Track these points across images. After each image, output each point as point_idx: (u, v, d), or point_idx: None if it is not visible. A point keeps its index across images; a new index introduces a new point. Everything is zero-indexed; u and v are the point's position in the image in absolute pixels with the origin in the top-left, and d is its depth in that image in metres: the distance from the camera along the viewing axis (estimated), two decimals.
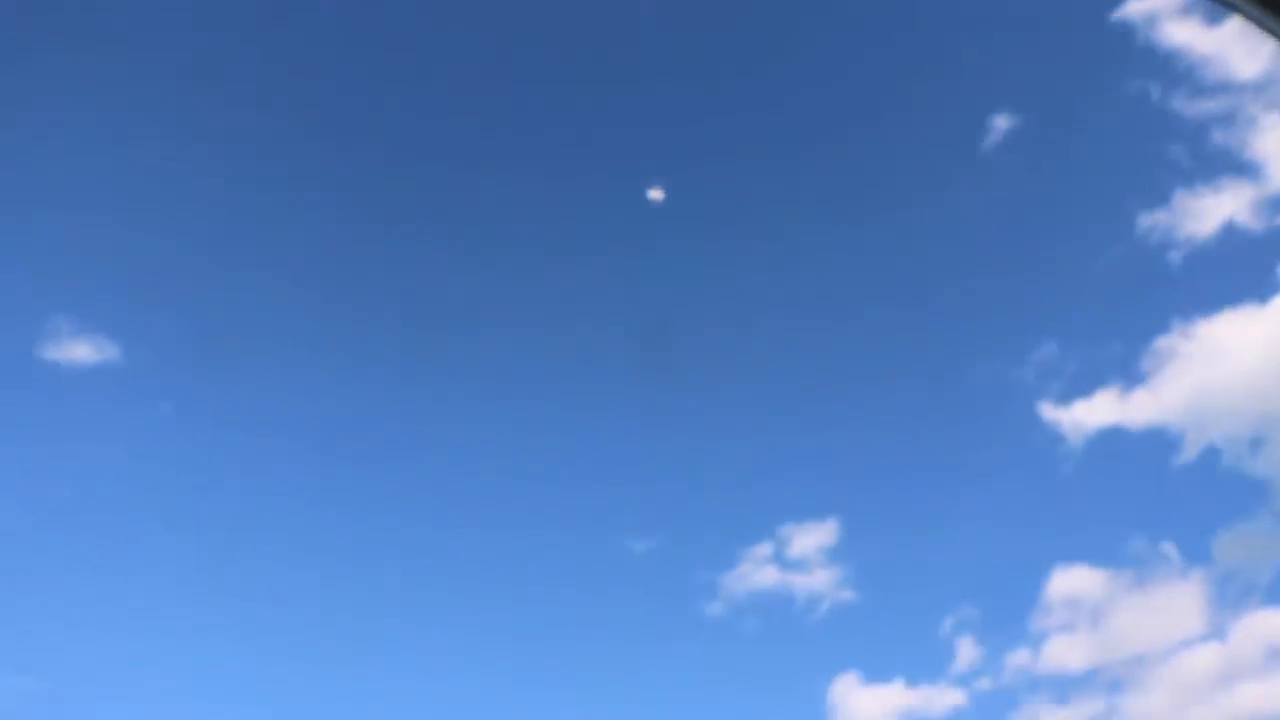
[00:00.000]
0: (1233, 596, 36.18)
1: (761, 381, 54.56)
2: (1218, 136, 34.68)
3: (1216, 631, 36.33)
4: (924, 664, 74.42)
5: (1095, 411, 38.89)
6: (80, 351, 39.41)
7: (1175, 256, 37.97)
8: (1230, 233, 35.53)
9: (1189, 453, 38.14)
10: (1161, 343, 38.82)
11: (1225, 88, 33.79)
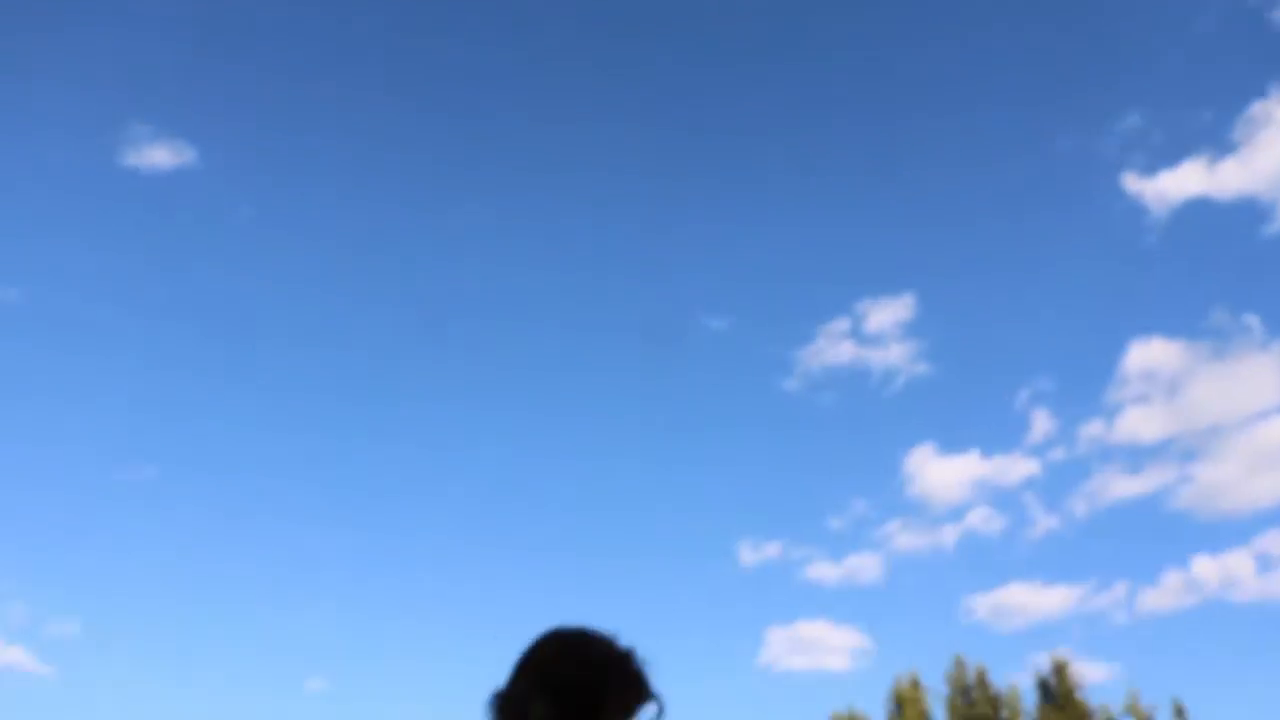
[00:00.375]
0: None
1: (839, 159, 54.16)
2: None
3: None
4: (998, 435, 75.40)
5: (1181, 182, 37.14)
6: (159, 156, 39.82)
7: (1278, 17, 35.82)
8: None
9: (1278, 224, 36.31)
10: (1256, 109, 36.21)
11: None
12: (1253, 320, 35.48)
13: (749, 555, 77.45)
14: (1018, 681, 53.81)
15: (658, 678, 1.94)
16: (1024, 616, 73.96)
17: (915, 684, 54.56)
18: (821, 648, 76.57)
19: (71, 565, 72.28)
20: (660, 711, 1.89)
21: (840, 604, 78.09)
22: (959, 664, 54.63)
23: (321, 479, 74.66)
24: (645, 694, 1.88)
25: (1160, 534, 72.81)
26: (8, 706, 74.10)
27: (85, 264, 73.14)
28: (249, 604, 72.07)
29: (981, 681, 53.94)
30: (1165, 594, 72.34)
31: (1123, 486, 72.10)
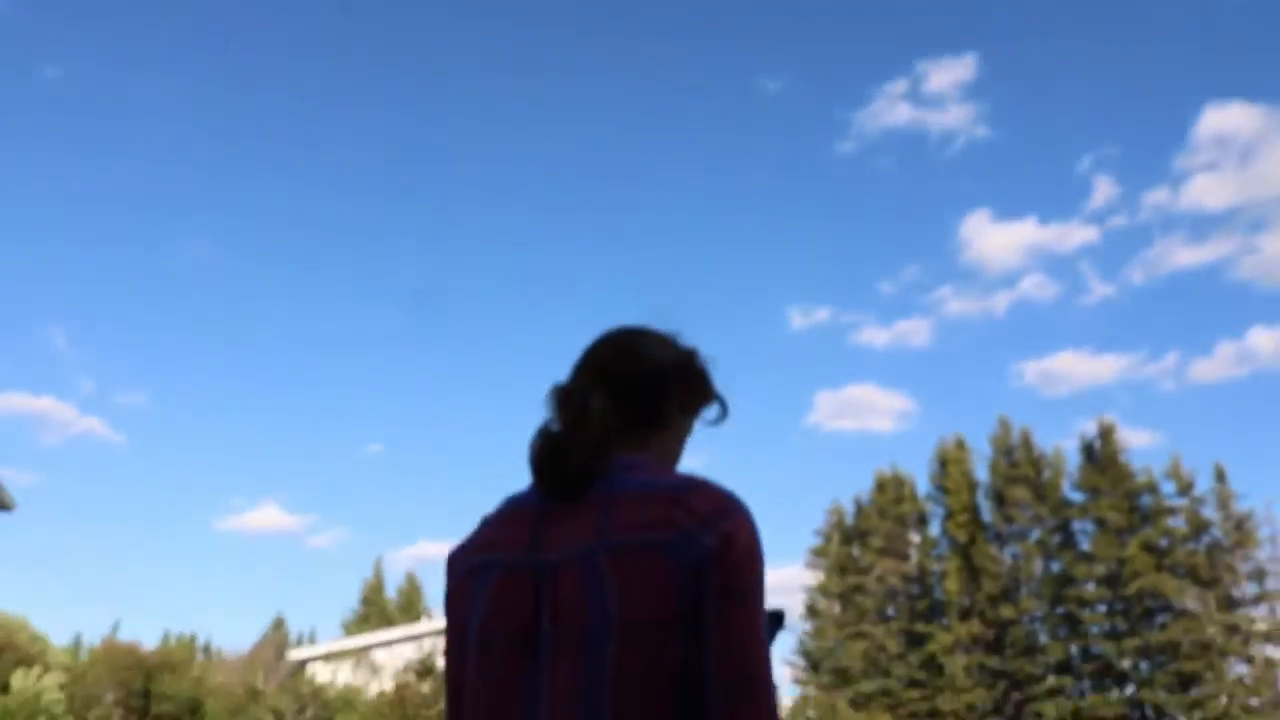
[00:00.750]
0: None
1: None
2: None
3: None
4: (1057, 202, 76.19)
5: None
6: None
7: None
8: None
9: None
10: None
11: None
12: None
13: (799, 320, 78.03)
14: (1061, 444, 55.14)
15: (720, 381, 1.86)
16: (1071, 383, 74.62)
17: (960, 444, 56.07)
18: (868, 410, 78.18)
19: (134, 339, 74.87)
20: (724, 413, 1.85)
21: (888, 368, 78.74)
22: (1003, 425, 55.82)
23: (375, 254, 75.39)
24: (708, 393, 1.83)
25: (1218, 304, 71.67)
26: (90, 472, 78.38)
27: (131, 39, 72.25)
28: (308, 373, 74.51)
29: (1025, 443, 55.26)
30: (1217, 364, 71.97)
31: (1183, 256, 70.27)
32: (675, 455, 1.81)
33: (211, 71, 74.66)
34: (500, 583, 1.57)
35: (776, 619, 1.78)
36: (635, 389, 1.71)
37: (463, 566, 1.67)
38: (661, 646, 1.43)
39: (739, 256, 76.86)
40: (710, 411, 1.85)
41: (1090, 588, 50.93)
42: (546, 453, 1.63)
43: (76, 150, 71.61)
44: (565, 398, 1.68)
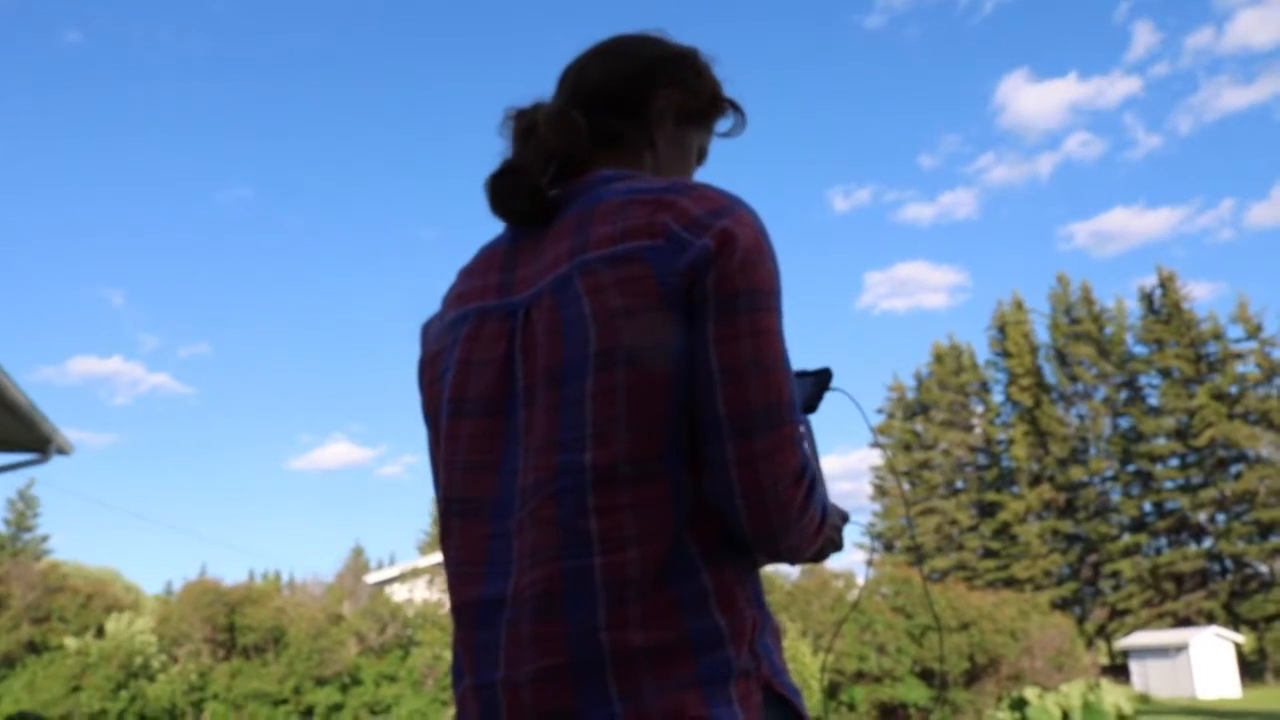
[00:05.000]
0: None
1: None
2: None
3: None
4: (1096, 54, 76.72)
5: None
6: None
7: None
8: None
9: None
10: None
11: None
12: None
13: (840, 202, 77.17)
14: (1123, 299, 53.97)
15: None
16: (1124, 241, 73.23)
17: (1019, 305, 55.08)
18: (920, 287, 77.53)
19: (188, 292, 75.88)
20: (740, 122, 1.54)
21: (936, 243, 77.78)
22: (1062, 282, 54.68)
23: (419, 177, 75.02)
24: (713, 95, 1.50)
25: (1272, 145, 69.43)
26: (165, 425, 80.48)
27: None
28: (359, 305, 74.65)
29: (1085, 299, 54.14)
30: (1275, 206, 70.00)
31: (1232, 98, 67.94)
32: (679, 175, 1.49)
33: (231, 19, 74.00)
34: (469, 337, 1.31)
35: (822, 379, 1.51)
36: (608, 87, 1.42)
37: (434, 331, 1.41)
38: (650, 377, 1.16)
39: (773, 143, 75.49)
40: (722, 122, 1.54)
41: (1161, 442, 50.22)
42: (498, 178, 1.34)
43: (103, 113, 71.75)
44: (518, 115, 1.40)
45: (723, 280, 1.17)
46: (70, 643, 25.10)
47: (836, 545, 1.41)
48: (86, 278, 76.43)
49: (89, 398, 75.64)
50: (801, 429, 1.21)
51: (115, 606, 27.91)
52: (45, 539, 50.01)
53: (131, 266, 75.56)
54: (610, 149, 1.41)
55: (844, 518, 1.44)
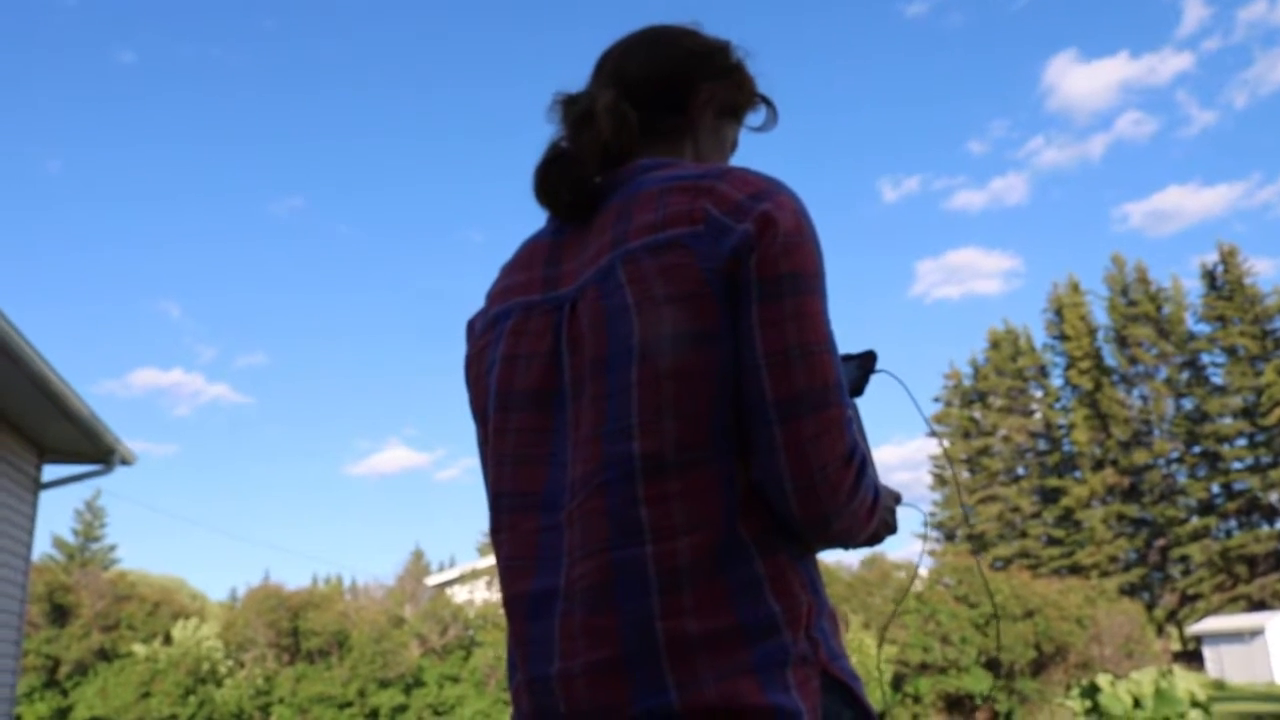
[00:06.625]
0: None
1: None
2: None
3: None
4: (1147, 31, 76.07)
5: None
6: None
7: None
8: None
9: None
10: None
11: None
12: None
13: (890, 192, 76.50)
14: (1180, 278, 52.86)
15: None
16: (1180, 220, 71.82)
17: (1075, 288, 54.15)
18: (973, 274, 76.69)
19: (243, 302, 77.17)
20: (772, 116, 1.54)
21: (988, 229, 76.84)
22: (1118, 263, 53.67)
23: (468, 182, 75.57)
24: (747, 89, 1.51)
25: None
26: (225, 434, 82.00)
27: (195, 11, 72.91)
28: (414, 311, 75.46)
29: (1142, 279, 53.10)
30: None
31: None
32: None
33: (279, 32, 75.02)
34: (514, 332, 1.32)
35: (866, 361, 1.48)
36: (653, 80, 1.43)
37: (479, 327, 1.42)
38: (695, 364, 1.16)
39: (820, 136, 75.01)
40: (755, 116, 1.55)
41: (1227, 422, 49.10)
42: (546, 166, 1.34)
43: (157, 128, 73.06)
44: (569, 101, 1.39)
45: (765, 264, 1.17)
46: (139, 650, 25.55)
47: (890, 528, 1.39)
48: (145, 291, 78.00)
49: (152, 409, 77.17)
50: (849, 412, 1.19)
51: (182, 613, 28.38)
52: (113, 548, 50.99)
53: (188, 279, 76.98)
54: (652, 140, 1.41)
55: (897, 499, 1.41)
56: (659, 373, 1.15)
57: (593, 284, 1.24)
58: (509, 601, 1.26)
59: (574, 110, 1.38)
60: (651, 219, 1.22)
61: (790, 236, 1.18)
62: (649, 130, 1.41)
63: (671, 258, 1.18)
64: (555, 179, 1.33)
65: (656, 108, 1.42)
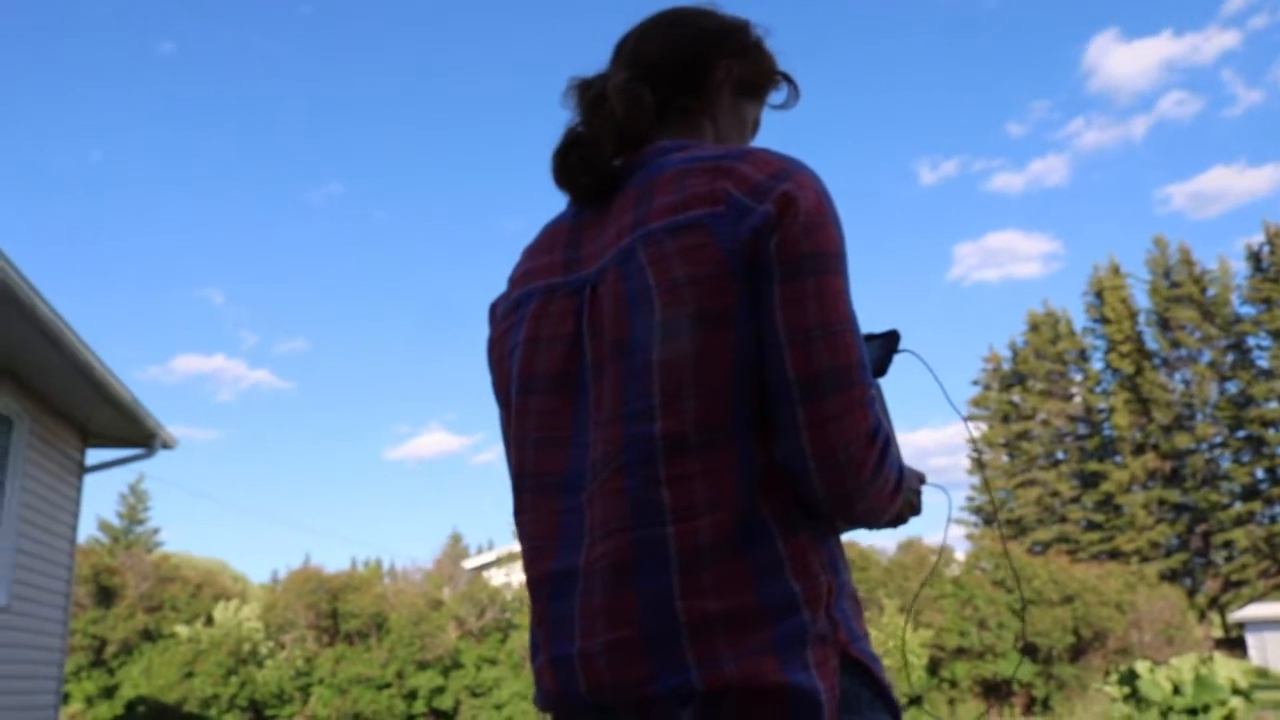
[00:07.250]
0: None
1: None
2: None
3: None
4: (1190, 9, 74.23)
5: None
6: None
7: None
8: None
9: None
10: None
11: None
12: None
13: (927, 174, 75.64)
14: (1225, 259, 51.95)
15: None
16: (1225, 201, 70.46)
17: (1115, 270, 53.43)
18: (1012, 257, 75.72)
19: (284, 288, 77.80)
20: (794, 94, 1.53)
21: (1027, 212, 75.93)
22: (1159, 245, 52.87)
23: (502, 167, 75.79)
24: (767, 68, 1.50)
25: None
26: (266, 419, 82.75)
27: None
28: (451, 296, 75.98)
29: (1185, 261, 52.28)
30: None
31: None
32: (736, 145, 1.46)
33: (317, 19, 75.42)
34: (535, 315, 1.33)
35: (890, 341, 1.47)
36: (670, 60, 1.42)
37: (500, 310, 1.43)
38: (716, 345, 1.16)
39: (857, 118, 74.33)
40: (776, 94, 1.54)
41: (1272, 406, 48.28)
42: (564, 150, 1.36)
43: (197, 116, 73.70)
44: (583, 85, 1.43)
45: (786, 244, 1.16)
46: (182, 630, 25.98)
47: (915, 509, 1.39)
48: (189, 278, 78.80)
49: (195, 395, 78.01)
50: (872, 392, 1.19)
51: (223, 595, 28.81)
52: (156, 531, 51.75)
53: (230, 266, 77.68)
54: (671, 121, 1.41)
55: (921, 480, 1.41)
56: (680, 354, 1.16)
57: (613, 266, 1.24)
58: (531, 582, 1.27)
59: (587, 93, 1.41)
60: (672, 200, 1.22)
61: (811, 216, 1.18)
62: (668, 111, 1.41)
63: (692, 239, 1.18)
64: (573, 162, 1.34)
65: (675, 88, 1.41)
